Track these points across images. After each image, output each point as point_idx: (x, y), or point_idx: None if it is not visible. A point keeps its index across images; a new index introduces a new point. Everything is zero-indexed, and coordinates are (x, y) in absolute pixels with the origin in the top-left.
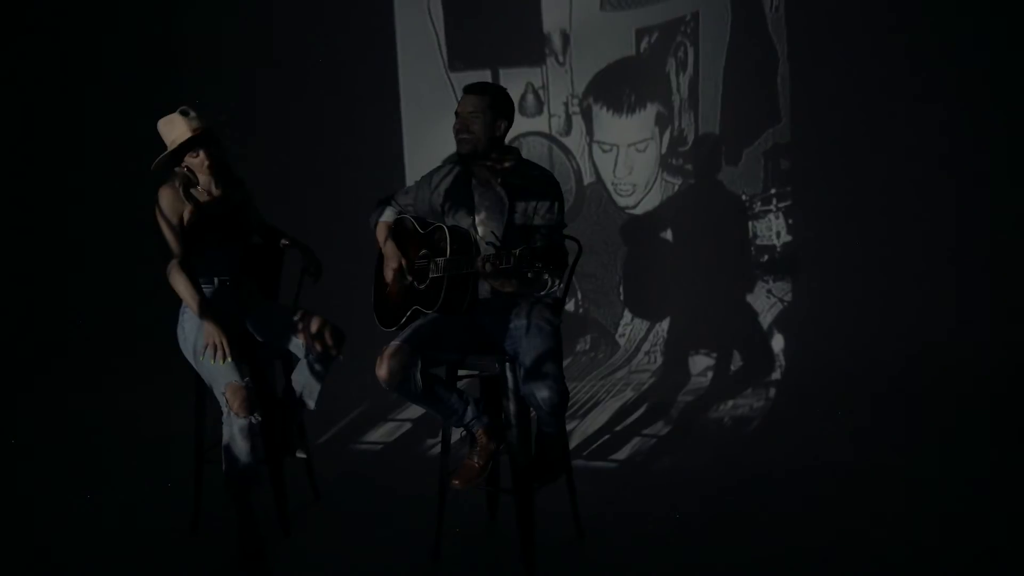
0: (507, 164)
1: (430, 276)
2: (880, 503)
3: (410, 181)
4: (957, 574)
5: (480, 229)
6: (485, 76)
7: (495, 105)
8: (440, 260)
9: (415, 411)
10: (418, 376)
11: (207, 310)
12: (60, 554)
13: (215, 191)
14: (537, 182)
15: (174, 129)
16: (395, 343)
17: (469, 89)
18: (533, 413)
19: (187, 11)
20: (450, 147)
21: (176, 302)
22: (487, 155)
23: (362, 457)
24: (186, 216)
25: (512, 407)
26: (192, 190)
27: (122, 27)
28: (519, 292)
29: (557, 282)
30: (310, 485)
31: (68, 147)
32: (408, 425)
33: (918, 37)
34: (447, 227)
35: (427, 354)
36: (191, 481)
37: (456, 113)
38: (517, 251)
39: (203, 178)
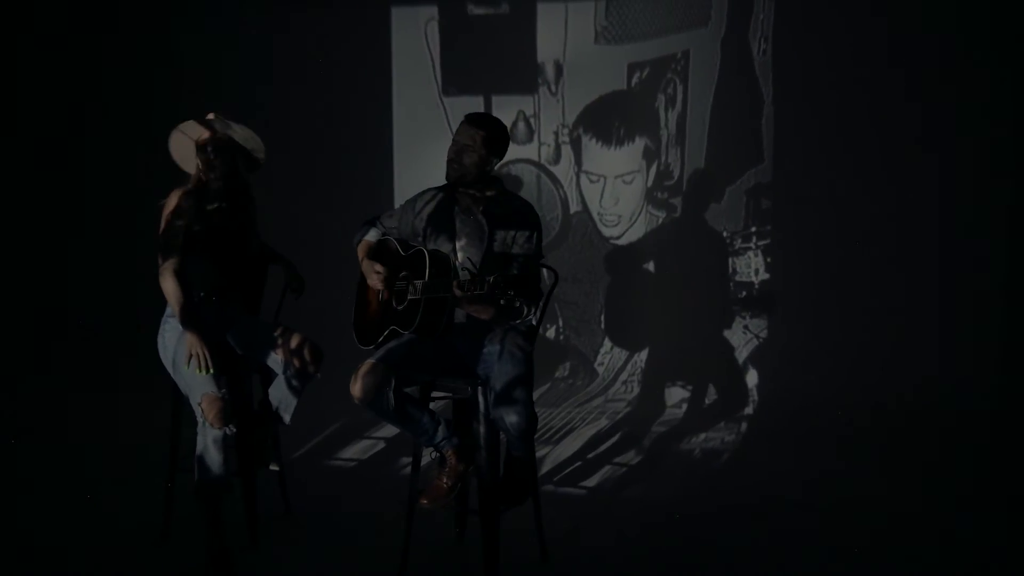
0: (489, 193)
1: (408, 298)
2: (845, 538)
3: (399, 202)
4: None
5: (460, 255)
6: (478, 102)
7: (490, 141)
8: (418, 282)
9: (390, 430)
10: (391, 395)
11: (190, 319)
12: (28, 560)
13: (225, 204)
14: (517, 212)
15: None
16: (369, 361)
17: (470, 119)
18: (503, 436)
19: (188, 30)
20: (440, 170)
21: (158, 310)
22: (472, 184)
23: (335, 473)
24: (193, 223)
25: (482, 430)
26: (204, 199)
27: (123, 33)
28: (494, 319)
29: (532, 310)
30: (282, 498)
31: (68, 150)
32: (382, 444)
33: (900, 85)
34: (427, 251)
35: (400, 373)
36: (163, 489)
37: (454, 139)
38: (491, 278)
39: (215, 182)
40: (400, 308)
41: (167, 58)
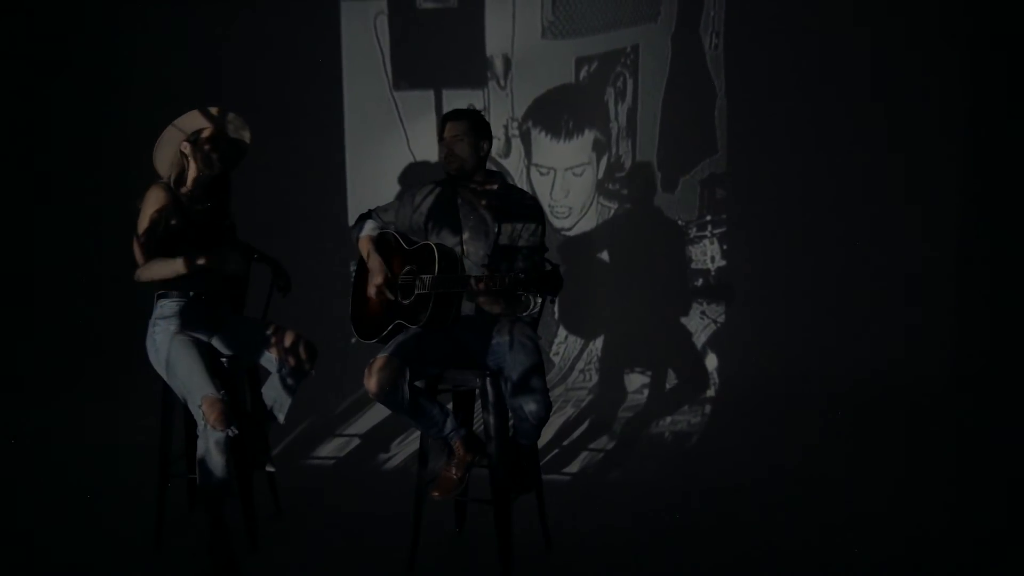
0: (492, 187)
1: (416, 292)
2: (824, 514)
3: (352, 197)
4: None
5: (466, 248)
6: (428, 96)
7: (475, 128)
8: (427, 277)
9: (363, 426)
10: (406, 388)
11: (193, 261)
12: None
13: (210, 203)
14: (521, 204)
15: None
16: (383, 356)
17: (449, 117)
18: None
19: (137, 21)
20: (393, 164)
21: (145, 313)
22: (473, 176)
23: (317, 472)
24: (172, 222)
25: (492, 420)
26: (180, 196)
27: (72, 30)
28: (505, 312)
29: (538, 303)
30: (273, 499)
31: (32, 159)
32: (357, 440)
33: (849, 76)
34: (435, 246)
35: (413, 367)
36: (155, 495)
37: (441, 140)
38: (523, 275)
39: (206, 178)
40: (407, 302)
41: (114, 54)
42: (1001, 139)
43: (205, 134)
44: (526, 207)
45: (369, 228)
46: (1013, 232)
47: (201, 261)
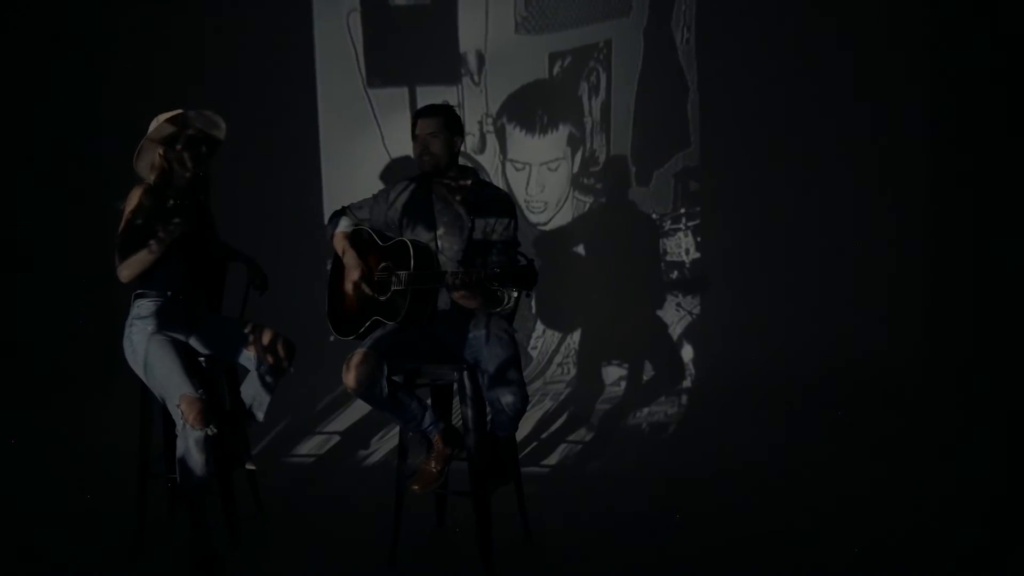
0: (466, 182)
1: (392, 288)
2: (799, 499)
3: (327, 194)
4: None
5: (441, 244)
6: (402, 93)
7: (448, 124)
8: (403, 273)
9: (342, 423)
10: (384, 383)
11: (160, 240)
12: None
13: (188, 201)
14: (495, 200)
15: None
16: (361, 351)
17: (422, 113)
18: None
19: (118, 19)
20: (367, 161)
21: (122, 313)
22: (447, 173)
23: (296, 469)
24: (153, 222)
25: (470, 413)
26: (165, 197)
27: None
28: (482, 308)
29: (513, 298)
30: (253, 497)
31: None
32: (337, 438)
33: (820, 68)
34: (410, 242)
35: (390, 362)
36: (135, 496)
37: (415, 137)
38: (498, 269)
39: (181, 178)
40: (383, 299)
41: (88, 54)
42: (976, 131)
43: (177, 137)
44: (499, 202)
45: (344, 225)
46: (987, 223)
47: (163, 234)
